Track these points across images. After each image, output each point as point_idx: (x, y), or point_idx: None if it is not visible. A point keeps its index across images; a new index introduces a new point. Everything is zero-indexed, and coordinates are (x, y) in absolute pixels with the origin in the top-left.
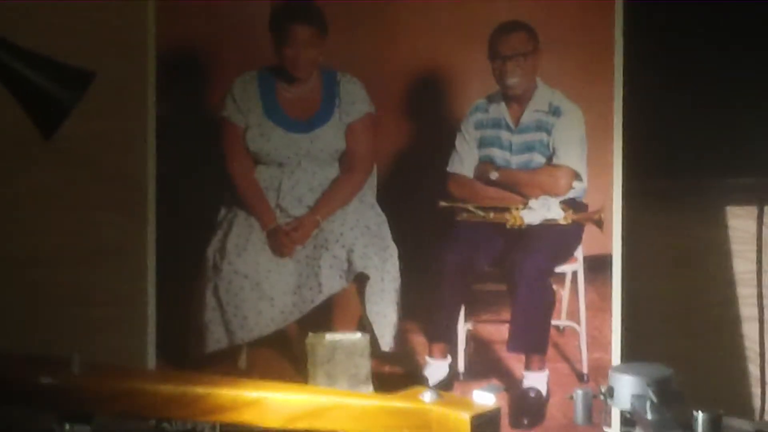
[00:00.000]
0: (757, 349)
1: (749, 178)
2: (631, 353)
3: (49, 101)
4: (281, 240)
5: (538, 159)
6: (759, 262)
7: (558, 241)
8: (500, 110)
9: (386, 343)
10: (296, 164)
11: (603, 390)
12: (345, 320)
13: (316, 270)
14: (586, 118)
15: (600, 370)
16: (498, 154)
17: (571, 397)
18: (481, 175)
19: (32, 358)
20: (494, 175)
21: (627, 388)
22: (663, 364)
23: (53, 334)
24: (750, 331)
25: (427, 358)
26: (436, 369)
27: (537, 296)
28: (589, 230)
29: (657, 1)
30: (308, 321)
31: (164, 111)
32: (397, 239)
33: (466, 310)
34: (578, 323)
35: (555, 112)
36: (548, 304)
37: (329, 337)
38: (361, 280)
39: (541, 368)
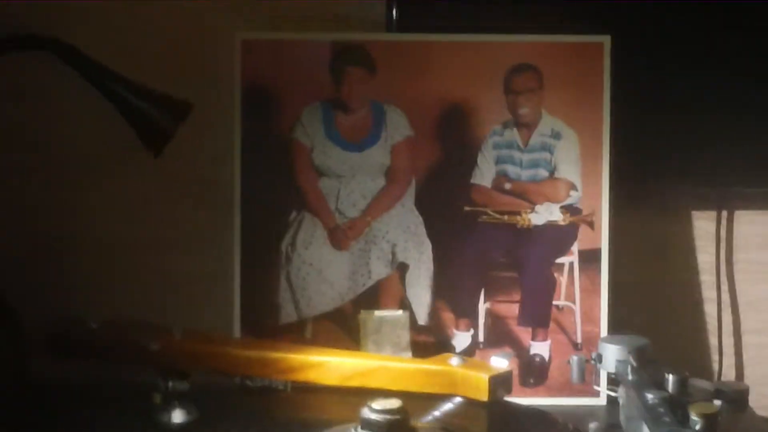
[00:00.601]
0: (716, 324)
1: (709, 188)
2: (616, 327)
3: (156, 127)
4: (339, 236)
5: (543, 173)
6: (717, 255)
7: (558, 238)
8: (513, 134)
9: (422, 318)
10: (351, 177)
11: (593, 356)
12: (389, 300)
13: (367, 260)
14: (581, 140)
15: (591, 340)
16: (511, 170)
17: (568, 362)
18: (498, 186)
19: (143, 326)
20: (508, 186)
21: (612, 354)
22: (641, 335)
23: (160, 308)
24: (710, 309)
25: (454, 331)
26: (461, 339)
27: (541, 282)
28: (583, 230)
29: (639, 54)
30: (360, 301)
31: (247, 132)
32: (431, 236)
33: (485, 292)
34: (574, 303)
35: (556, 136)
36: (550, 288)
37: (377, 313)
38: (402, 269)
39: (544, 339)
